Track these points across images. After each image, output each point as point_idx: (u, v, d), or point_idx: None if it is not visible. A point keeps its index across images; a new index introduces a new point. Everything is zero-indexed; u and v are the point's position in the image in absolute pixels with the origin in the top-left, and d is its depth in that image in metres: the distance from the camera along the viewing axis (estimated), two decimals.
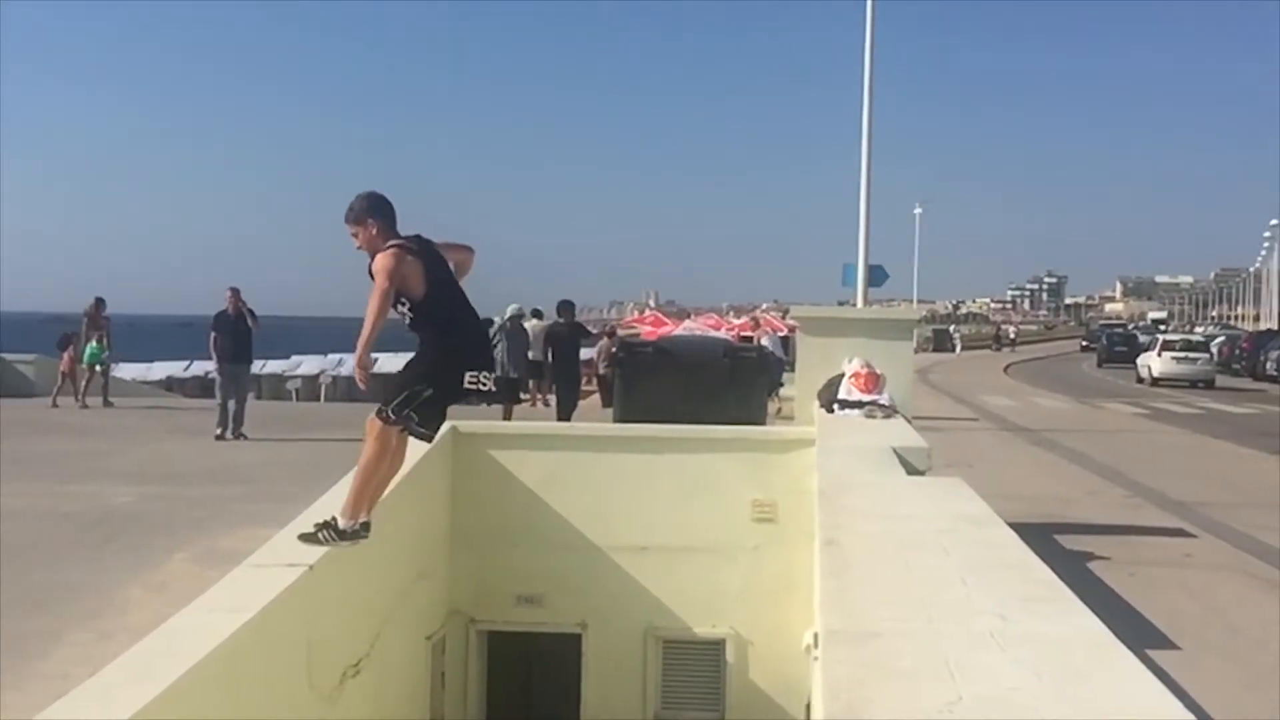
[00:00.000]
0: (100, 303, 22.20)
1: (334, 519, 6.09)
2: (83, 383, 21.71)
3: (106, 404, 21.52)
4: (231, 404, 17.16)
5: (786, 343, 27.84)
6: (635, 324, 40.59)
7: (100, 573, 8.85)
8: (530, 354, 20.17)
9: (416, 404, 6.20)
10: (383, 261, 6.18)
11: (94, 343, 21.66)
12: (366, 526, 6.13)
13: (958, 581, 5.19)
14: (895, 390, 12.85)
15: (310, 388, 37.60)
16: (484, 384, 6.38)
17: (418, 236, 6.52)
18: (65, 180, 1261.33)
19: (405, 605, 9.56)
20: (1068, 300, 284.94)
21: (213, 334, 17.80)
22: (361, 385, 6.40)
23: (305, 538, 6.01)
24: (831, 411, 12.32)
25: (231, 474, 13.24)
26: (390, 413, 6.14)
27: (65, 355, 22.08)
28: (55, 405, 21.24)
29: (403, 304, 6.30)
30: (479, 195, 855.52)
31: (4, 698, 6.59)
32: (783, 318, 39.91)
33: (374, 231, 6.18)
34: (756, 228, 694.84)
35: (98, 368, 21.78)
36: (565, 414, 17.56)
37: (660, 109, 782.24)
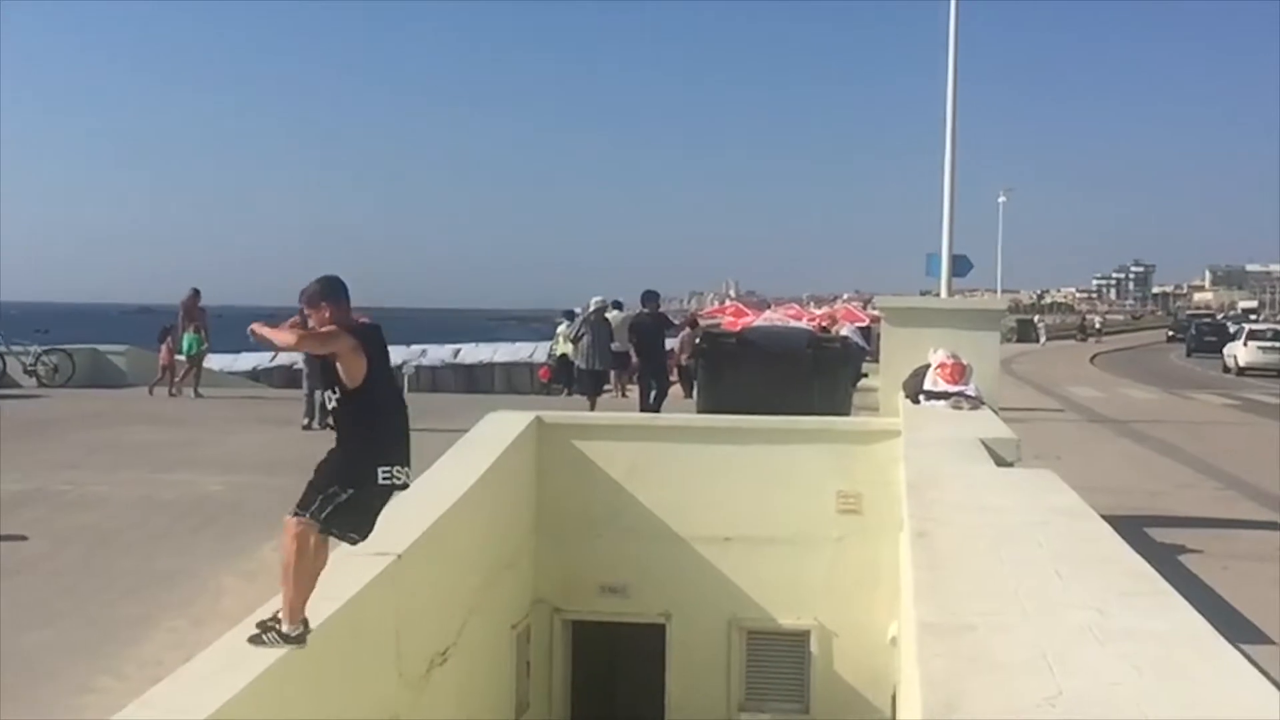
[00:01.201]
0: (196, 294, 22.51)
1: (278, 620, 5.99)
2: (182, 373, 22.07)
3: (197, 394, 21.83)
4: (318, 394, 17.33)
5: (867, 333, 27.63)
6: (716, 314, 40.45)
7: (193, 560, 8.98)
8: (613, 345, 20.18)
9: (333, 509, 6.01)
10: (328, 328, 6.09)
11: (190, 333, 21.98)
12: (306, 623, 6.05)
13: (1052, 575, 5.12)
14: (981, 381, 12.71)
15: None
16: (398, 479, 6.22)
17: (376, 327, 6.47)
18: (150, 175, 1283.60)
19: (491, 594, 9.62)
20: (1155, 289, 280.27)
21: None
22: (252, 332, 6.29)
23: (253, 639, 5.95)
24: (917, 402, 12.21)
25: None
26: (309, 517, 5.97)
27: (164, 347, 22.42)
28: (151, 394, 21.66)
29: (334, 391, 6.19)
30: (557, 187, 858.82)
31: (101, 683, 6.72)
32: (864, 308, 39.62)
33: (326, 315, 6.14)
34: (837, 217, 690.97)
35: (193, 357, 22.10)
36: (656, 404, 17.52)
37: (739, 98, 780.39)
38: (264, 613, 6.00)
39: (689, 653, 11.24)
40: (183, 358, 22.09)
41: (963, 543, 5.84)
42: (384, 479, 6.11)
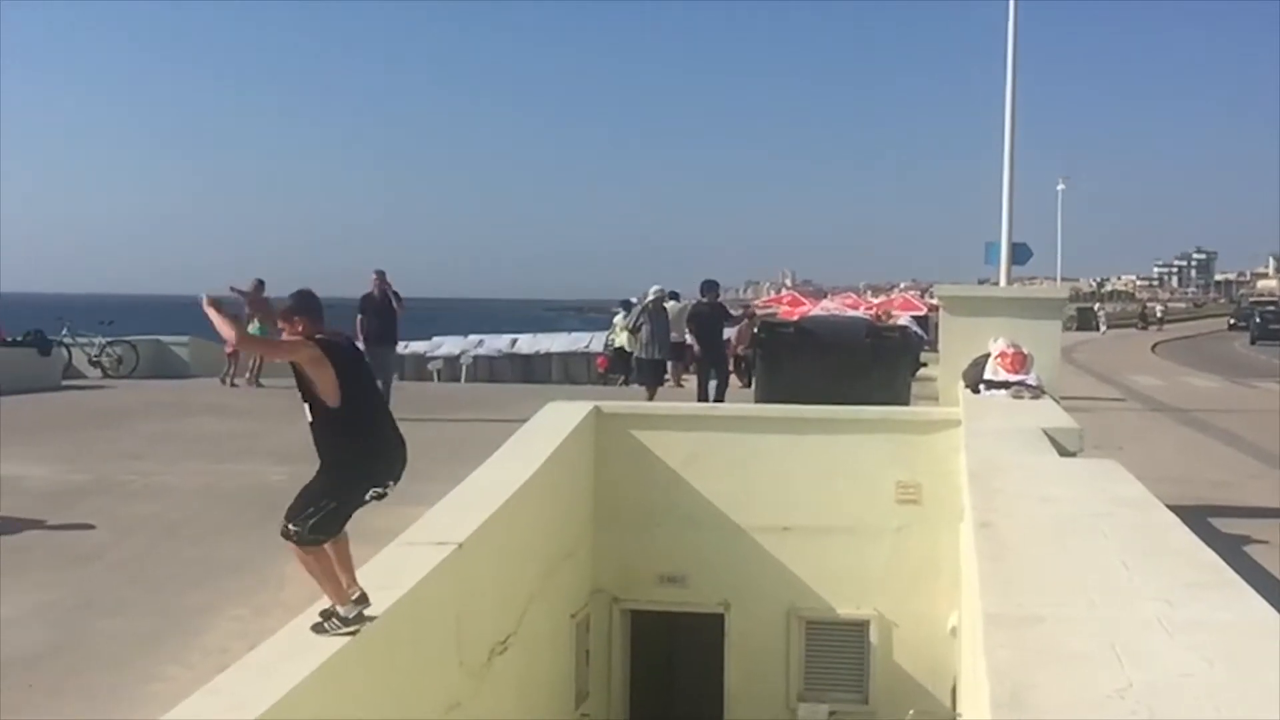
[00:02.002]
0: (261, 284, 22.73)
1: (334, 607, 6.03)
2: (250, 362, 22.28)
3: (257, 385, 22.04)
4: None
5: (924, 322, 27.46)
6: (773, 304, 40.42)
7: (255, 550, 9.06)
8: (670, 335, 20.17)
9: (318, 519, 5.99)
10: (290, 339, 6.12)
11: (255, 323, 22.18)
12: (362, 598, 6.05)
13: (1119, 565, 5.06)
14: (1042, 370, 12.58)
15: (451, 368, 37.91)
16: (380, 494, 6.23)
17: (350, 344, 6.49)
18: (211, 168, 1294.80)
19: (551, 584, 9.65)
20: (1217, 277, 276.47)
21: (358, 316, 18.08)
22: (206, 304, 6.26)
23: (315, 628, 6.00)
24: (977, 392, 12.11)
25: None
26: (292, 528, 5.97)
27: None
28: (223, 383, 21.91)
29: (310, 407, 6.17)
30: (612, 180, 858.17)
31: (168, 671, 6.80)
32: (921, 296, 39.40)
33: (299, 329, 6.18)
34: (894, 206, 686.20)
35: None
36: (719, 394, 17.46)
37: (798, 90, 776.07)
38: (326, 601, 6.06)
39: (748, 642, 11.22)
40: None
41: (1026, 533, 5.79)
42: (372, 496, 6.15)
